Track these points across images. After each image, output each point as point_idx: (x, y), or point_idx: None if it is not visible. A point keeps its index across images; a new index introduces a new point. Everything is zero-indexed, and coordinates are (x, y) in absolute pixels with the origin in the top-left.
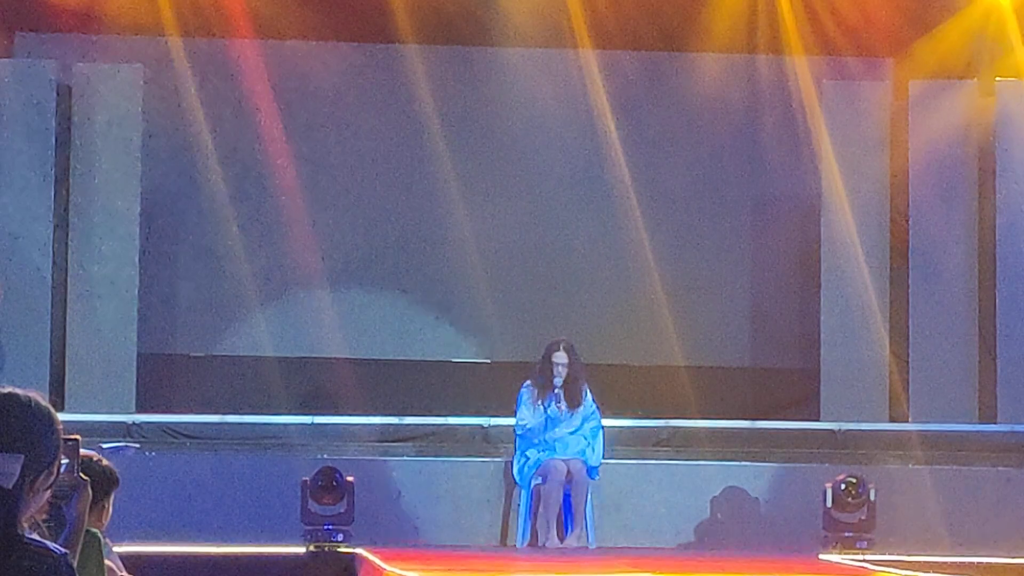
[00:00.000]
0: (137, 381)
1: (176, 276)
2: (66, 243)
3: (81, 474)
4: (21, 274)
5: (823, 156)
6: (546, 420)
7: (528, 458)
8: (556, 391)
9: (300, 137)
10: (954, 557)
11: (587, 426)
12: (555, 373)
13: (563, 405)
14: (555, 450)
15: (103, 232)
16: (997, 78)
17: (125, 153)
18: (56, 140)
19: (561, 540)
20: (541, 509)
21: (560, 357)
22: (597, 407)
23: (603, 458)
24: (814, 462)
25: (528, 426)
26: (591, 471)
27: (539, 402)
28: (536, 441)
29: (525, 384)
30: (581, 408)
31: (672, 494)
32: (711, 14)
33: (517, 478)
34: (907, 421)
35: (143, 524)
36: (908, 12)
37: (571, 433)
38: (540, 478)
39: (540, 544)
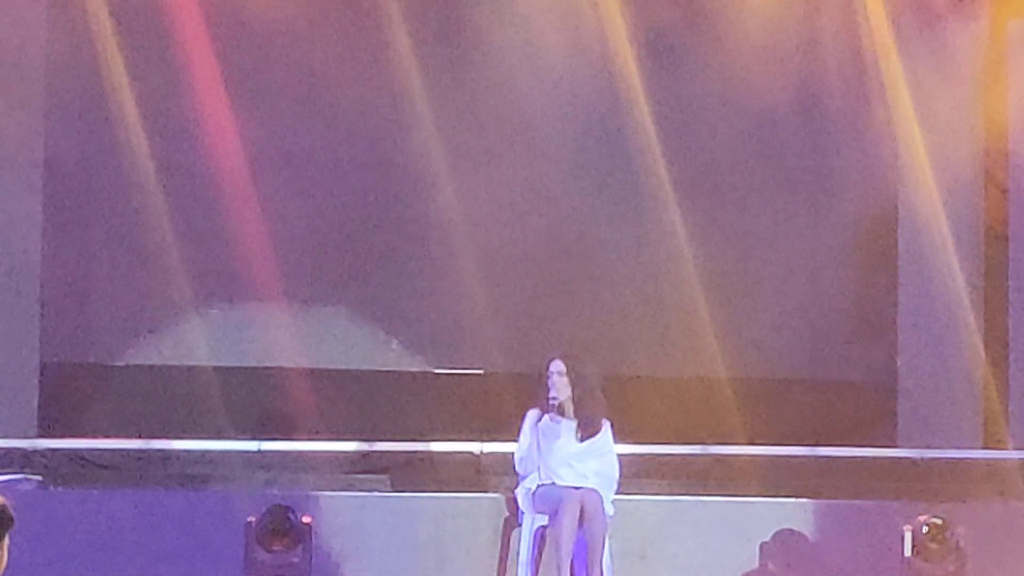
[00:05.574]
0: (39, 397)
1: (89, 267)
2: None
3: None
4: None
5: (901, 115)
6: (539, 440)
7: (529, 489)
8: (552, 401)
9: (245, 92)
10: None
11: (604, 460)
12: (550, 384)
13: (562, 424)
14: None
15: None
16: None
17: (23, 110)
18: None
19: None
20: (547, 556)
21: (556, 366)
22: (616, 456)
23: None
24: (889, 498)
25: (521, 456)
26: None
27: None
28: (535, 470)
29: (529, 411)
30: (597, 440)
31: (711, 538)
32: None
33: (522, 503)
34: (1006, 448)
35: (48, 574)
36: None
37: (576, 454)
38: (546, 516)
39: None
